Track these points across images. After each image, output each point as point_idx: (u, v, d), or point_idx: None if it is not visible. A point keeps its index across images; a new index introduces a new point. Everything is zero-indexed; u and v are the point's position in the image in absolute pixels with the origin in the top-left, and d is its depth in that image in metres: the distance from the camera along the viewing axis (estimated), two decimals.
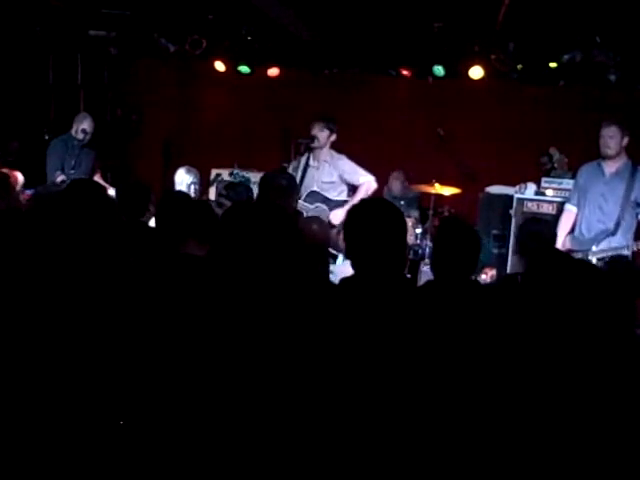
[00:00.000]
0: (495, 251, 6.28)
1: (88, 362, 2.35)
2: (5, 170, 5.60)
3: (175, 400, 2.03)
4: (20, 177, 5.49)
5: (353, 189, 5.46)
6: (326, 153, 5.39)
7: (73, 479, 2.18)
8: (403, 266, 2.44)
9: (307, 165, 5.31)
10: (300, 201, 5.19)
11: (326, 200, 5.34)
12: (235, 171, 6.00)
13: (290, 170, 5.41)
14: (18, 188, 5.32)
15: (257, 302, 2.11)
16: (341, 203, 5.33)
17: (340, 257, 4.88)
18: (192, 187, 5.71)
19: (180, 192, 4.99)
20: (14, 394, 2.30)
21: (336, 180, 5.36)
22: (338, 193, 5.41)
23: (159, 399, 2.09)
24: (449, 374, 2.06)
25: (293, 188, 4.22)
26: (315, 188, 5.34)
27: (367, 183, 5.35)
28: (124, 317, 2.42)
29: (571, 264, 2.18)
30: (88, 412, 2.27)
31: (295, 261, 2.22)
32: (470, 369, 2.07)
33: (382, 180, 7.28)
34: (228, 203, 4.34)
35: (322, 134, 5.31)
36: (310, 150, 5.33)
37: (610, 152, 4.79)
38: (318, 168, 5.38)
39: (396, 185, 7.01)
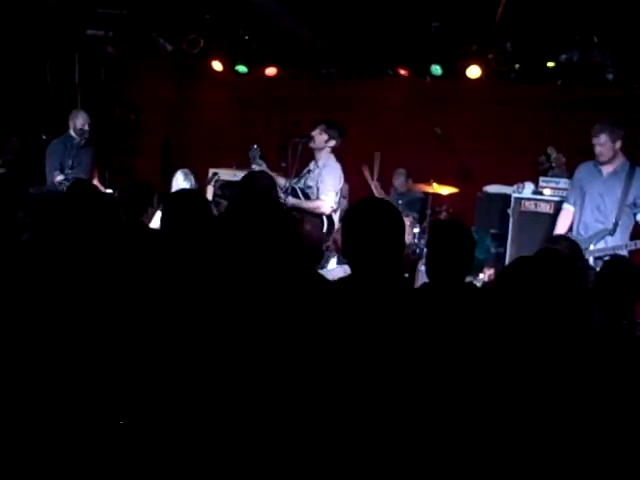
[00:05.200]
0: (493, 250, 6.28)
1: (88, 362, 2.35)
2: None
3: (174, 399, 2.04)
4: None
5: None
6: (324, 158, 5.30)
7: (73, 479, 2.18)
8: (401, 266, 2.43)
9: (309, 170, 5.29)
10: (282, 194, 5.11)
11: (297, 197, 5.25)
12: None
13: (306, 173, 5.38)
14: None
15: (255, 302, 2.11)
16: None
17: (332, 261, 4.86)
18: (187, 186, 5.78)
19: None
20: (11, 395, 2.30)
21: (314, 186, 5.26)
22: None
23: (159, 399, 2.09)
24: (443, 374, 2.06)
25: (272, 188, 4.19)
26: (296, 186, 5.26)
27: (321, 203, 5.17)
28: (125, 316, 2.42)
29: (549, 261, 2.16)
30: (88, 412, 2.27)
31: (292, 257, 2.22)
32: (464, 370, 2.07)
33: (378, 178, 7.34)
34: (225, 202, 4.31)
35: (319, 137, 5.24)
36: (313, 154, 5.28)
37: (603, 159, 4.78)
38: (312, 171, 5.34)
39: (399, 181, 7.05)
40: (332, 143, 5.28)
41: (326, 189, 5.23)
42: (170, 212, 2.97)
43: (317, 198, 5.21)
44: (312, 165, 5.34)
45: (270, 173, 5.04)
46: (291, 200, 5.11)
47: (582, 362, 2.01)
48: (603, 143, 4.73)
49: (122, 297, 2.52)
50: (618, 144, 4.75)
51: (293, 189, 5.18)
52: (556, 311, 1.98)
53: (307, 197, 5.27)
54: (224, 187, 5.32)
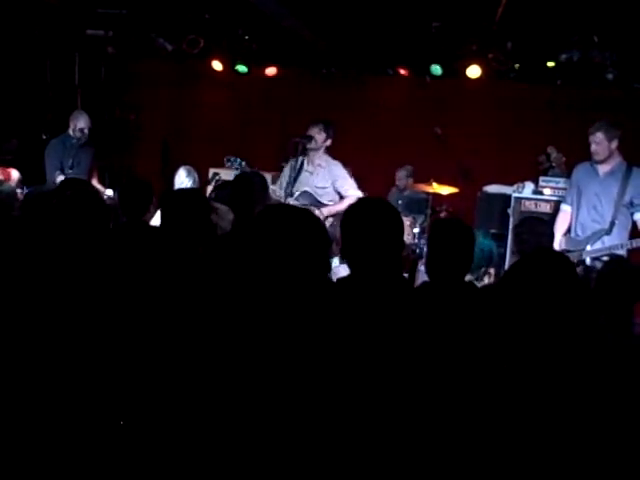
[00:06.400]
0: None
1: (86, 363, 2.35)
2: None
3: (175, 400, 2.04)
4: (15, 174, 5.47)
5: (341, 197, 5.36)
6: (321, 157, 5.29)
7: (73, 479, 2.18)
8: (400, 266, 2.43)
9: (301, 168, 5.21)
10: (291, 199, 5.12)
11: (318, 203, 5.24)
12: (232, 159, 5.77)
13: (287, 169, 5.36)
14: (13, 185, 5.27)
15: (254, 302, 2.11)
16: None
17: (335, 259, 4.86)
18: (190, 185, 5.77)
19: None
20: (10, 398, 2.30)
21: (329, 186, 5.25)
22: (331, 199, 5.30)
23: (160, 399, 2.09)
24: (443, 373, 2.06)
25: (264, 188, 4.19)
26: (308, 189, 5.28)
27: (355, 198, 5.25)
28: (125, 318, 2.42)
29: (554, 264, 2.15)
30: (88, 412, 2.27)
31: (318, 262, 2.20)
32: (464, 369, 2.07)
33: (378, 178, 7.33)
34: (218, 205, 4.30)
35: (319, 136, 5.21)
36: (306, 152, 5.23)
37: (598, 158, 4.78)
38: (312, 173, 5.25)
39: (400, 174, 7.05)
40: (328, 142, 5.28)
41: (348, 181, 5.31)
42: (170, 211, 2.97)
43: (345, 197, 5.22)
44: (307, 165, 5.26)
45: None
46: (328, 208, 5.13)
47: (583, 362, 2.01)
48: (599, 142, 4.73)
49: (120, 298, 2.52)
50: (614, 144, 4.75)
51: (305, 194, 5.19)
52: (558, 311, 1.98)
53: (317, 199, 5.27)
54: (219, 188, 5.29)
